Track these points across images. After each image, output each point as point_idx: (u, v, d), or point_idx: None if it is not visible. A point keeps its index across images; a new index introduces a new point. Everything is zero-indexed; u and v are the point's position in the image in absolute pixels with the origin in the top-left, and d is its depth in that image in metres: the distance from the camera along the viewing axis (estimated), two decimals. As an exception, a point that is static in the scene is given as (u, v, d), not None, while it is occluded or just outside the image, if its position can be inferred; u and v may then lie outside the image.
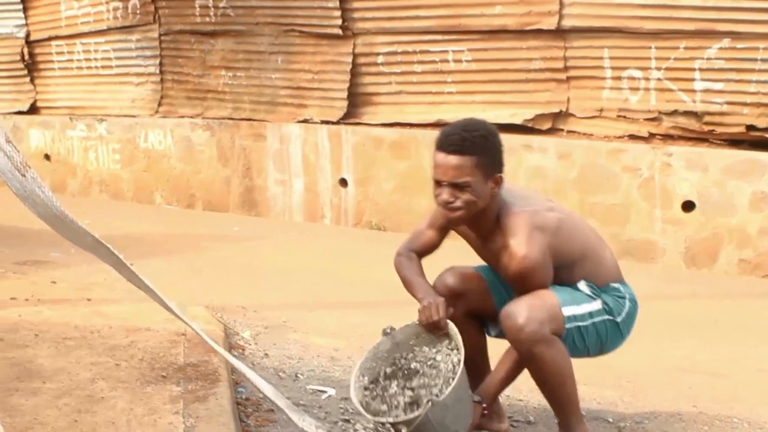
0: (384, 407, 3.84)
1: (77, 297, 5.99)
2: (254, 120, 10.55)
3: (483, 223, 3.78)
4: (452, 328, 3.81)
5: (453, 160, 3.65)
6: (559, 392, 3.81)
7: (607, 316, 3.86)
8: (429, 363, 3.87)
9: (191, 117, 11.04)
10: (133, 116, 11.54)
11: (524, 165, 8.59)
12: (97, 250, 3.55)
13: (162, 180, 11.13)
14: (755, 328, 6.54)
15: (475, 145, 3.67)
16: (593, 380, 5.01)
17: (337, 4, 9.71)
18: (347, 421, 4.20)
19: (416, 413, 3.67)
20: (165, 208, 11.05)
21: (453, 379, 3.73)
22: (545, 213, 3.78)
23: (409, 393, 3.82)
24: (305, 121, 10.15)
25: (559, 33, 8.50)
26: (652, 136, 8.38)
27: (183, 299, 6.04)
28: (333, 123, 9.93)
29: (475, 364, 4.01)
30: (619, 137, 8.51)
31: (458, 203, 3.68)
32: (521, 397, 4.63)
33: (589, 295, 3.83)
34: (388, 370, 3.92)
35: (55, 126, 12.11)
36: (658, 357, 5.68)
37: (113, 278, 6.84)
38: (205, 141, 10.76)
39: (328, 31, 9.87)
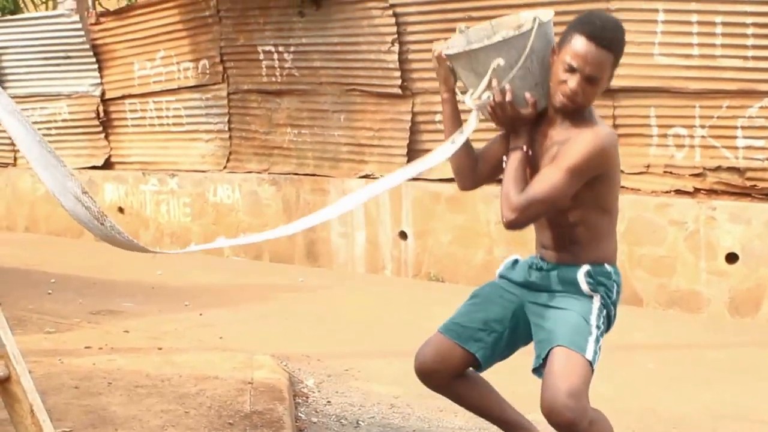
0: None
1: (149, 346, 6.15)
2: (318, 175, 10.83)
3: (570, 118, 3.70)
4: (520, 18, 3.74)
5: (599, 54, 3.57)
6: None
7: (605, 311, 3.80)
8: None
9: (258, 172, 11.36)
10: (203, 171, 11.87)
11: (575, 218, 8.72)
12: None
13: (230, 232, 11.32)
14: (798, 374, 6.58)
15: (619, 45, 3.63)
16: (642, 426, 5.21)
17: (397, 65, 10.00)
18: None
19: (520, 30, 3.58)
20: (233, 260, 11.31)
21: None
22: None
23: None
24: (366, 176, 10.40)
25: (608, 93, 8.49)
26: (697, 191, 8.53)
27: (250, 347, 6.37)
28: (393, 178, 10.17)
29: (500, 415, 4.09)
30: (666, 192, 8.67)
31: (580, 97, 3.61)
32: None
33: (589, 296, 3.77)
34: None
35: (129, 180, 12.48)
36: (704, 403, 5.79)
37: (184, 327, 7.24)
38: (271, 195, 11.07)
39: (388, 90, 10.18)
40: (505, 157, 3.82)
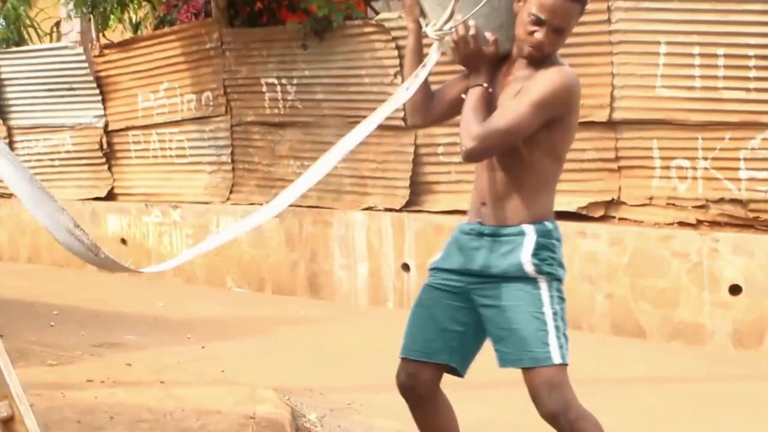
0: None
1: (151, 379, 6.16)
2: (320, 207, 10.82)
3: (535, 63, 3.69)
4: None
5: (566, 5, 3.61)
6: None
7: (555, 282, 3.76)
8: None
9: (261, 204, 11.25)
10: (206, 203, 11.86)
11: (579, 251, 8.74)
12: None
13: (233, 264, 11.41)
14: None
15: None
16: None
17: (400, 97, 10.01)
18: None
19: None
20: (235, 292, 11.28)
21: None
22: None
23: None
24: (369, 208, 10.39)
25: (611, 125, 8.72)
26: (699, 222, 8.50)
27: (253, 381, 6.36)
28: (396, 210, 10.17)
29: None
30: (669, 224, 8.64)
31: (548, 48, 3.64)
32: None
33: (536, 281, 3.71)
34: None
35: (131, 212, 12.47)
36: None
37: (186, 360, 7.22)
38: (274, 227, 11.04)
39: (391, 122, 9.95)
40: (464, 95, 3.80)
